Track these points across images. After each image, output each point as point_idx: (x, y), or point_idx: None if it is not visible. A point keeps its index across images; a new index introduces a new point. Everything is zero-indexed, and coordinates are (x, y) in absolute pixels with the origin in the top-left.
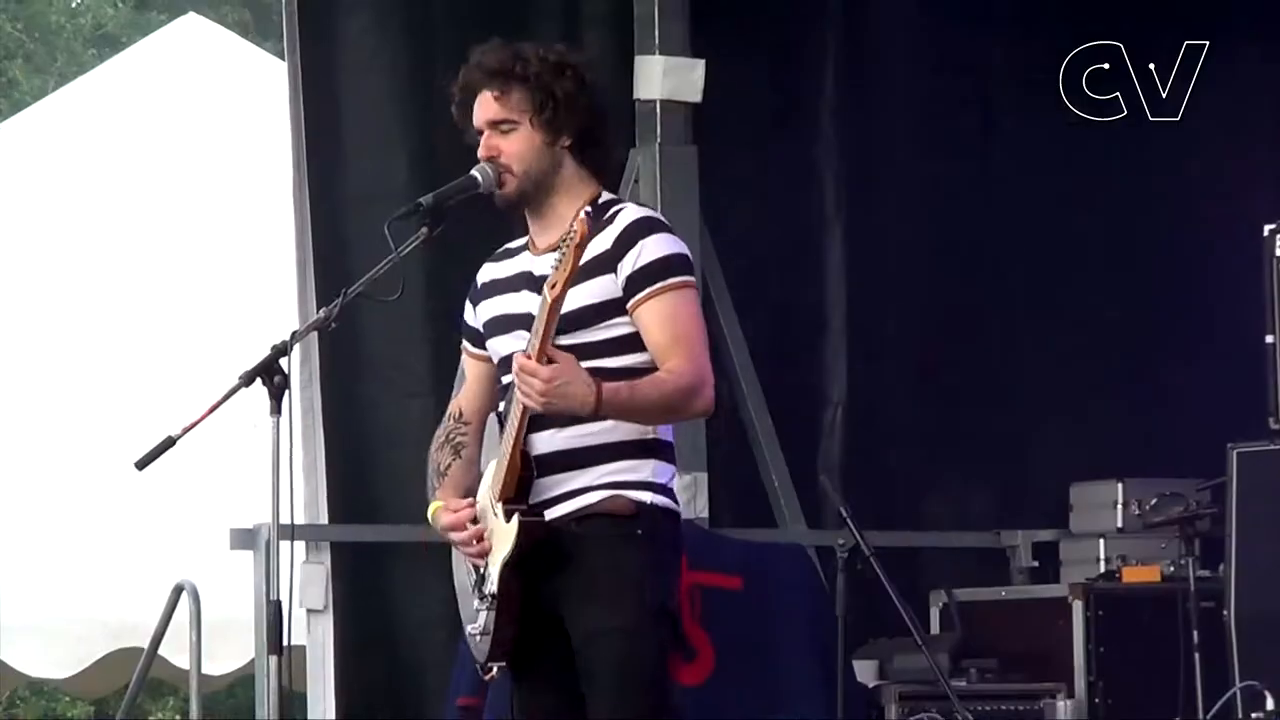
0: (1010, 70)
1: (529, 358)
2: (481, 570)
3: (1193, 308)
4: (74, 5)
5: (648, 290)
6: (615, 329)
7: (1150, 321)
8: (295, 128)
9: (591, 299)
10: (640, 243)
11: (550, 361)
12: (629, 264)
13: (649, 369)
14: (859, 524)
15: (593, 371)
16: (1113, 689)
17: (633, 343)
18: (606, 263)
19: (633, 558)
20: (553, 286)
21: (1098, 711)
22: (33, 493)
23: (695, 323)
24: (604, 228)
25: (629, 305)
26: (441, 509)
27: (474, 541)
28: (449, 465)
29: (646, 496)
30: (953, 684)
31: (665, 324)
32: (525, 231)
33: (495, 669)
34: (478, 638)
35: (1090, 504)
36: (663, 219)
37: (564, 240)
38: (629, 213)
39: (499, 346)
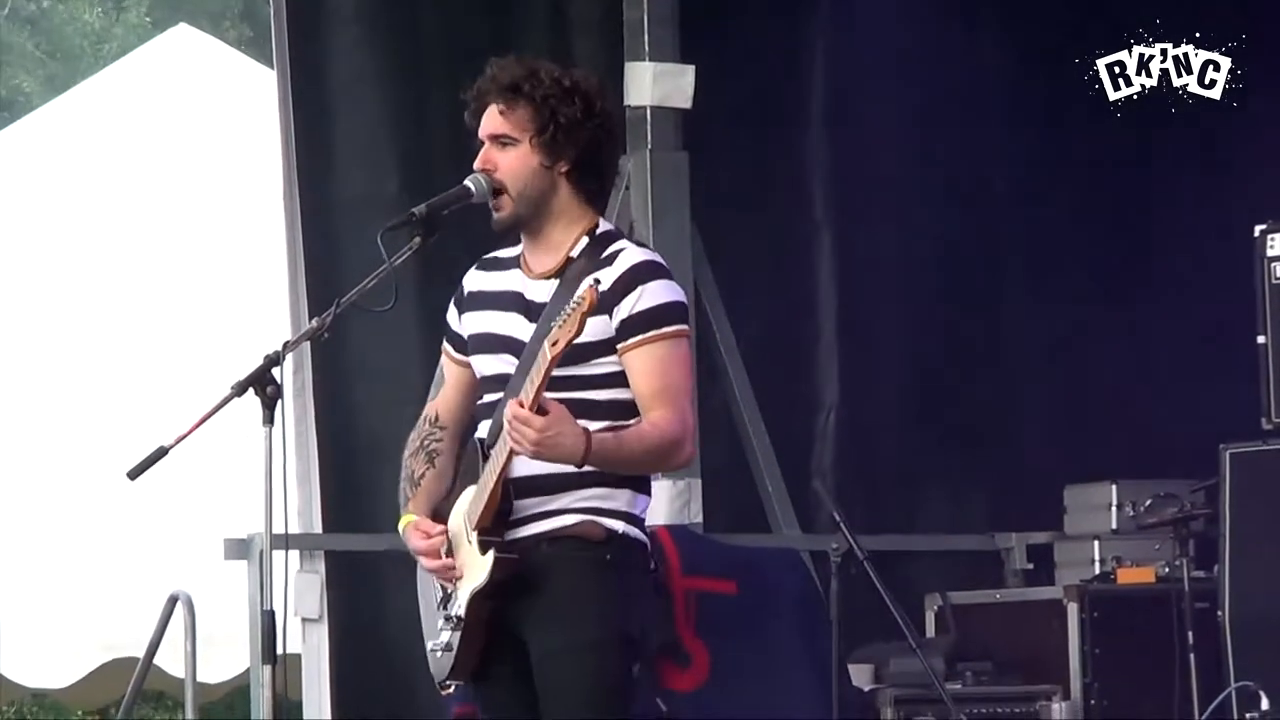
0: (1000, 75)
1: (521, 405)
2: (449, 591)
3: (1185, 308)
4: (89, 20)
5: (640, 337)
6: (605, 366)
7: (1143, 322)
8: (285, 137)
9: (585, 338)
10: (641, 288)
11: (542, 411)
12: (626, 308)
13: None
14: (852, 528)
15: (581, 404)
16: (1108, 690)
17: (621, 379)
18: (603, 304)
19: (598, 582)
20: (554, 344)
21: (1093, 713)
22: (26, 503)
23: (684, 373)
24: (602, 266)
25: (619, 347)
26: (413, 529)
27: (445, 569)
28: (423, 474)
29: (619, 525)
30: (948, 687)
31: (653, 373)
32: (517, 241)
33: (453, 686)
34: (439, 654)
35: (1084, 506)
36: (663, 262)
37: (572, 303)
38: (630, 255)
39: (483, 366)
